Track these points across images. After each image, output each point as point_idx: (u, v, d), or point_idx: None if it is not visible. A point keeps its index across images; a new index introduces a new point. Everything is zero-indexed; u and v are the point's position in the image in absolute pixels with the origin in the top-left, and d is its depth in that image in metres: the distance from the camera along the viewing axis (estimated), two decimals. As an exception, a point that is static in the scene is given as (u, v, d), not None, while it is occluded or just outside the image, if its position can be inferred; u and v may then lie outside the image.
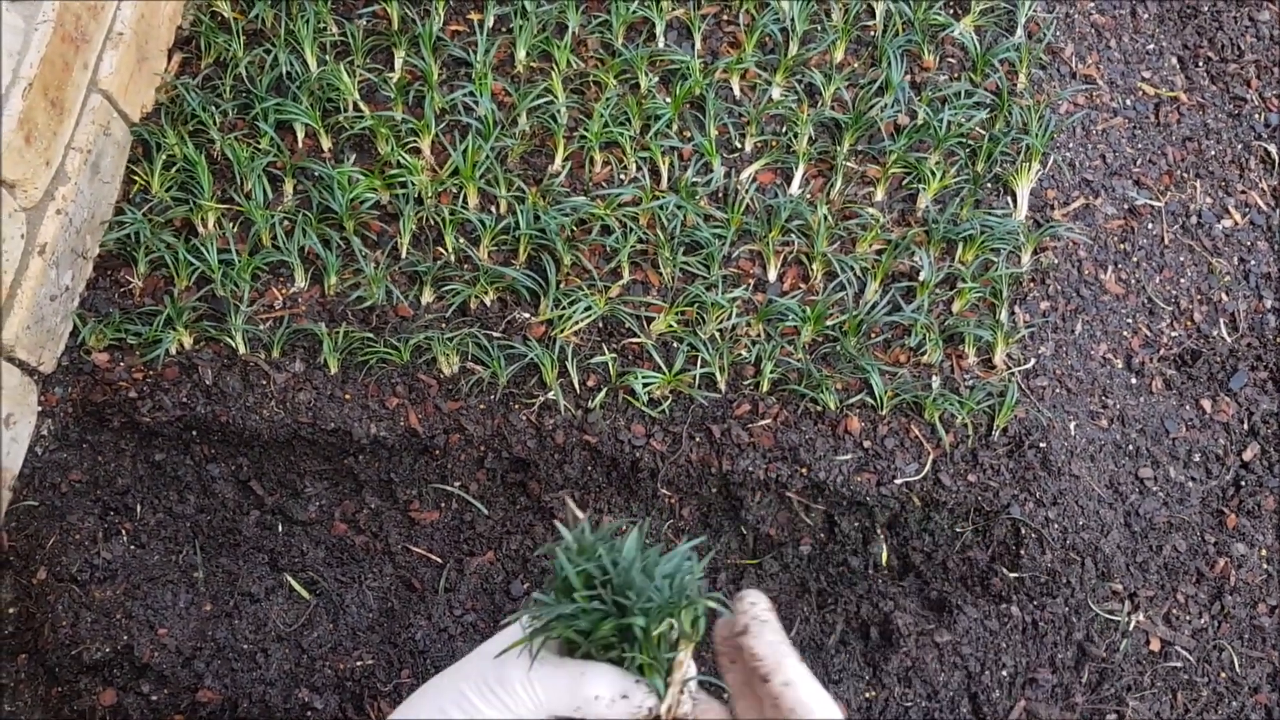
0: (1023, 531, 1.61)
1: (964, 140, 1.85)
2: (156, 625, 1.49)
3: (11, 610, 1.50)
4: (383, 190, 1.76)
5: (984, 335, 1.70)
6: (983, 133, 1.86)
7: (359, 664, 1.49)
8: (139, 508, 1.58)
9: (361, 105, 1.83)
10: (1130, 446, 1.74)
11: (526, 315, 1.69)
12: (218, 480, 1.61)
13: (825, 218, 1.76)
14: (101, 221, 1.72)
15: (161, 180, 1.76)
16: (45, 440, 1.61)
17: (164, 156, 1.77)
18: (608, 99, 1.83)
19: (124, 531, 1.56)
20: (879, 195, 1.82)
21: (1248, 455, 1.77)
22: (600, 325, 1.69)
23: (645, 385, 1.63)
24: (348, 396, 1.62)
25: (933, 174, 1.80)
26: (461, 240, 1.74)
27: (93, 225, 1.70)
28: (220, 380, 1.61)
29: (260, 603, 1.52)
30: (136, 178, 1.77)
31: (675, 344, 1.67)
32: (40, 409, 1.61)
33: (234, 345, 1.64)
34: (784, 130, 1.86)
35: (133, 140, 1.81)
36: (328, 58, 1.88)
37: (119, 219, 1.73)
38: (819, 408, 1.64)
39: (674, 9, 1.94)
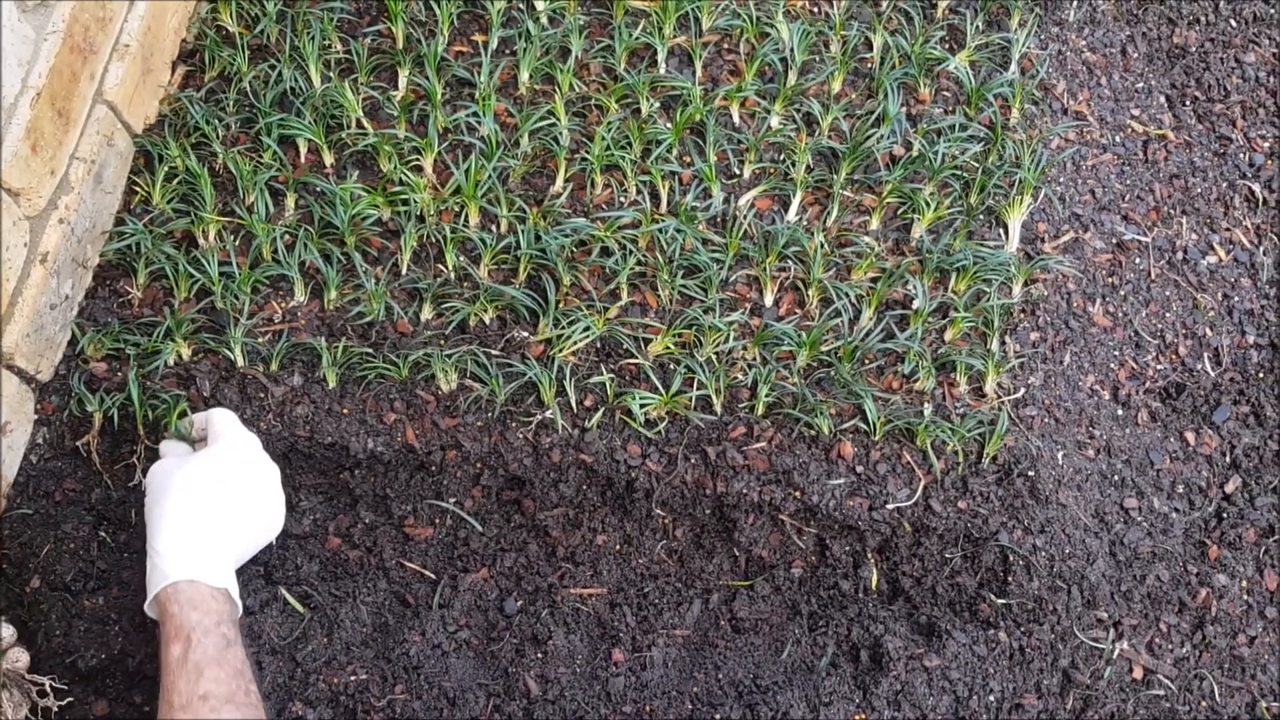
0: (1011, 558, 1.63)
1: (958, 172, 1.88)
2: (150, 635, 1.48)
3: (4, 618, 1.49)
4: (384, 207, 1.77)
5: (975, 364, 1.73)
6: (976, 165, 1.90)
7: (353, 679, 1.49)
8: (133, 517, 1.57)
9: (365, 122, 1.85)
10: (1116, 477, 1.77)
11: (525, 334, 1.71)
12: (212, 492, 1.61)
13: (821, 245, 1.79)
14: (102, 231, 1.73)
15: (163, 192, 1.77)
16: (40, 448, 1.60)
17: (166, 168, 1.78)
18: (609, 123, 1.85)
19: (118, 541, 1.56)
20: (874, 224, 1.85)
21: (1229, 488, 1.80)
22: (598, 346, 1.70)
23: (642, 406, 1.64)
24: (345, 411, 1.63)
25: (927, 205, 1.83)
26: (462, 258, 1.76)
27: (94, 235, 1.70)
28: (218, 392, 1.62)
29: (254, 615, 1.52)
30: (138, 188, 1.78)
31: (672, 366, 1.69)
32: (36, 417, 1.61)
33: (233, 358, 1.65)
34: (782, 158, 1.88)
35: (135, 151, 1.81)
36: (332, 74, 1.90)
37: (120, 229, 1.73)
38: (813, 432, 1.66)
39: (676, 36, 1.97)
